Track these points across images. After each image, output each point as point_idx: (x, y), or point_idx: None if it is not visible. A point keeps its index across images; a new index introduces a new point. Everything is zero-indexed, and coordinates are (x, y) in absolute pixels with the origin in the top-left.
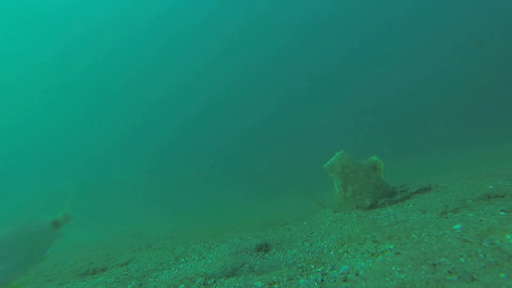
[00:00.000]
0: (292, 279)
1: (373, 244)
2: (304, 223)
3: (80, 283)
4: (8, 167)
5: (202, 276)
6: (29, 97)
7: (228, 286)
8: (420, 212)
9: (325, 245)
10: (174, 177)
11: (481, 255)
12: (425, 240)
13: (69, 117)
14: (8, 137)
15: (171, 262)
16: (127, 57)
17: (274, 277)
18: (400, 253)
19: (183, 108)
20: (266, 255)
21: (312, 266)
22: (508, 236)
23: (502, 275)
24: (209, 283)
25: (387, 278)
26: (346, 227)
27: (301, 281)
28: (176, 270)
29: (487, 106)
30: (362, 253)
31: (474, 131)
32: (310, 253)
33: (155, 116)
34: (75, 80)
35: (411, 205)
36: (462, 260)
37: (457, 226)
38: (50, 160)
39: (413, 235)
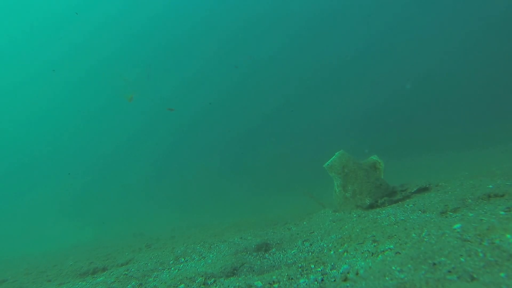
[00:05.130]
0: (292, 278)
1: (373, 244)
2: (304, 222)
3: (80, 283)
4: (12, 168)
5: (202, 276)
6: (35, 99)
7: (228, 286)
8: (420, 211)
9: (325, 245)
10: (175, 178)
11: (481, 255)
12: (425, 239)
13: (73, 118)
14: (12, 138)
15: (171, 262)
16: (130, 56)
17: (274, 277)
18: (400, 253)
19: (183, 108)
20: (266, 254)
21: (312, 266)
22: (508, 236)
23: (502, 274)
24: (209, 283)
25: (387, 278)
26: (346, 226)
27: (301, 280)
28: (176, 270)
29: (486, 106)
30: (362, 252)
31: (473, 131)
32: (310, 253)
33: (156, 117)
34: (79, 81)
35: (411, 205)
36: (462, 259)
37: (457, 225)
38: (54, 161)
39: (413, 235)
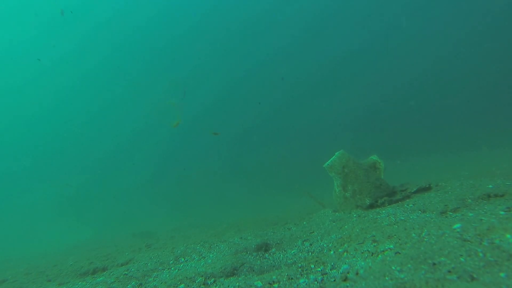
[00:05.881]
0: (292, 278)
1: (373, 244)
2: (304, 222)
3: (80, 283)
4: (12, 168)
5: (202, 276)
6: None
7: (228, 286)
8: (420, 211)
9: (325, 245)
10: (175, 178)
11: (480, 255)
12: (425, 239)
13: (73, 118)
14: (11, 139)
15: (171, 262)
16: (129, 57)
17: (274, 277)
18: (400, 253)
19: (183, 108)
20: (266, 254)
21: (312, 266)
22: (508, 236)
23: (501, 274)
24: (209, 283)
25: (387, 278)
26: (346, 226)
27: (301, 280)
28: (176, 270)
29: (487, 106)
30: (362, 252)
31: (473, 132)
32: (310, 253)
33: (156, 117)
34: (79, 82)
35: (411, 205)
36: (462, 259)
37: (457, 225)
38: (54, 161)
39: (413, 235)
